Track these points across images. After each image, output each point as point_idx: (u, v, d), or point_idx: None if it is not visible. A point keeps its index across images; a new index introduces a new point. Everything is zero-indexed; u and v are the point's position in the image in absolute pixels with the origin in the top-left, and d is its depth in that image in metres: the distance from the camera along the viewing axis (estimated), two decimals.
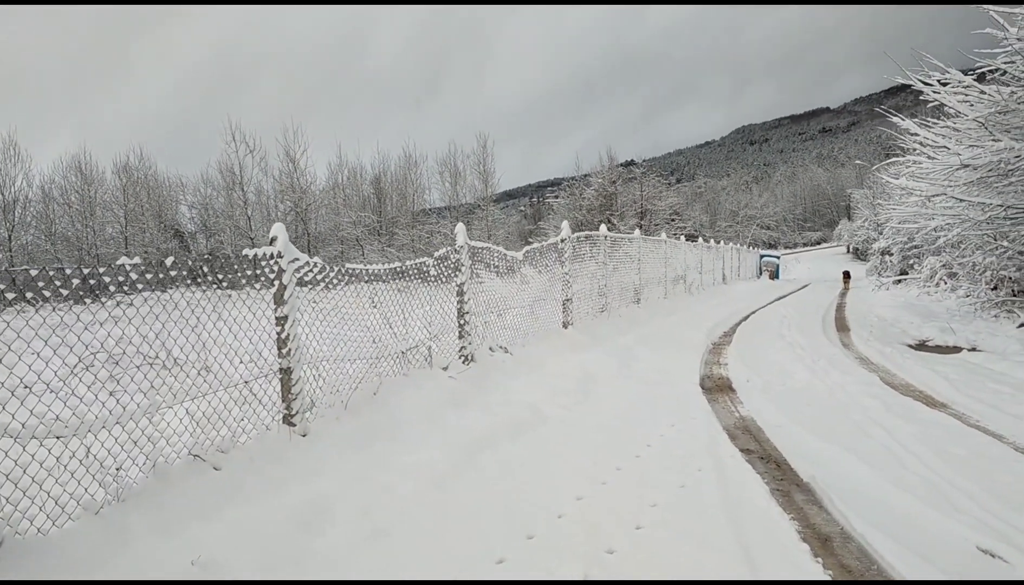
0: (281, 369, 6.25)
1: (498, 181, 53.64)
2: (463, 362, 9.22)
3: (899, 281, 28.02)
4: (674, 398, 8.29)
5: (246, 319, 5.98)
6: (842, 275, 30.84)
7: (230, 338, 5.78)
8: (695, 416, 7.42)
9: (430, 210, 55.01)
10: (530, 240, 66.62)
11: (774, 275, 42.54)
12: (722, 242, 31.52)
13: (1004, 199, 12.87)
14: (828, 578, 3.76)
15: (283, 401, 6.28)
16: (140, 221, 45.34)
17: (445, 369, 8.82)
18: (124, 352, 5.32)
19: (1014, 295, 14.39)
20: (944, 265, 23.95)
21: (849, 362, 10.34)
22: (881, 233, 42.27)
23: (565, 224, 12.81)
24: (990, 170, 12.98)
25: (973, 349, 11.90)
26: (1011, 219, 13.20)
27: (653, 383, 9.13)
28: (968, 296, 19.17)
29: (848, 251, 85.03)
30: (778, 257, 47.34)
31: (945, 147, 14.15)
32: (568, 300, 12.55)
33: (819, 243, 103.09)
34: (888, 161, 18.12)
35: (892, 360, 10.51)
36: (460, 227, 9.35)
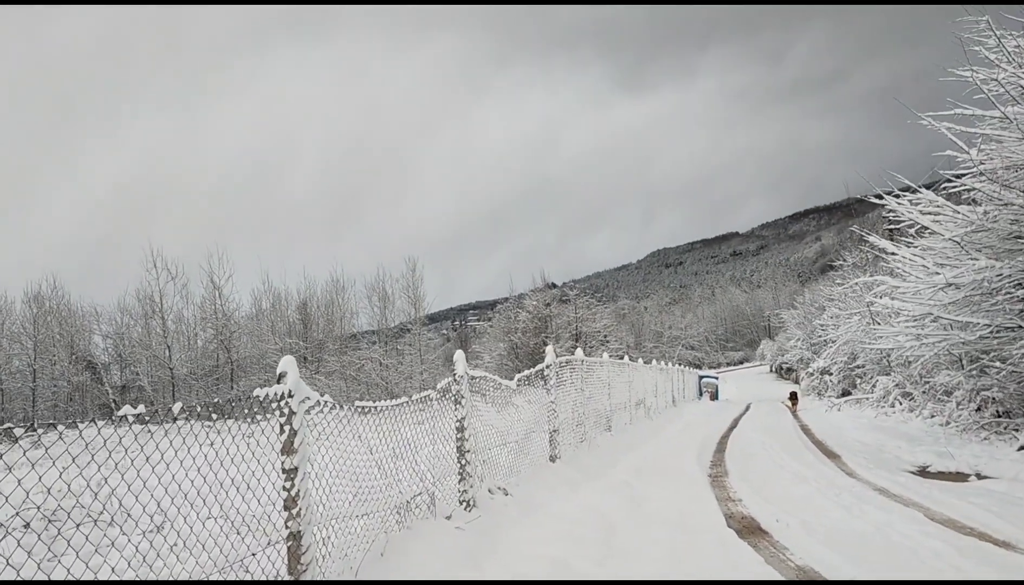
0: (290, 533, 5.13)
1: (429, 304, 53.00)
2: (465, 508, 8.13)
3: (853, 401, 27.91)
4: (711, 545, 7.35)
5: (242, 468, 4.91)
6: (789, 396, 30.74)
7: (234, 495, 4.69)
8: (751, 569, 6.49)
9: (359, 334, 53.69)
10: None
11: (714, 396, 42.37)
12: (667, 363, 31.17)
13: (991, 318, 12.65)
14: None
15: (290, 573, 5.15)
16: (51, 352, 42.71)
17: (449, 518, 7.73)
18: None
19: (998, 416, 14.07)
20: (897, 385, 23.91)
21: (872, 494, 9.61)
22: (817, 353, 42.81)
23: (550, 349, 12.01)
24: (974, 288, 12.79)
25: (979, 474, 11.36)
26: (998, 338, 12.97)
27: (677, 527, 8.18)
28: (933, 416, 18.94)
29: (771, 370, 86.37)
30: (716, 378, 47.36)
31: (924, 266, 14.02)
32: (555, 431, 11.61)
33: (741, 362, 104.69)
34: (871, 280, 17.96)
35: (913, 490, 9.83)
36: (459, 354, 8.43)
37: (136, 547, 5.60)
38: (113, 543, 4.85)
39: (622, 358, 20.01)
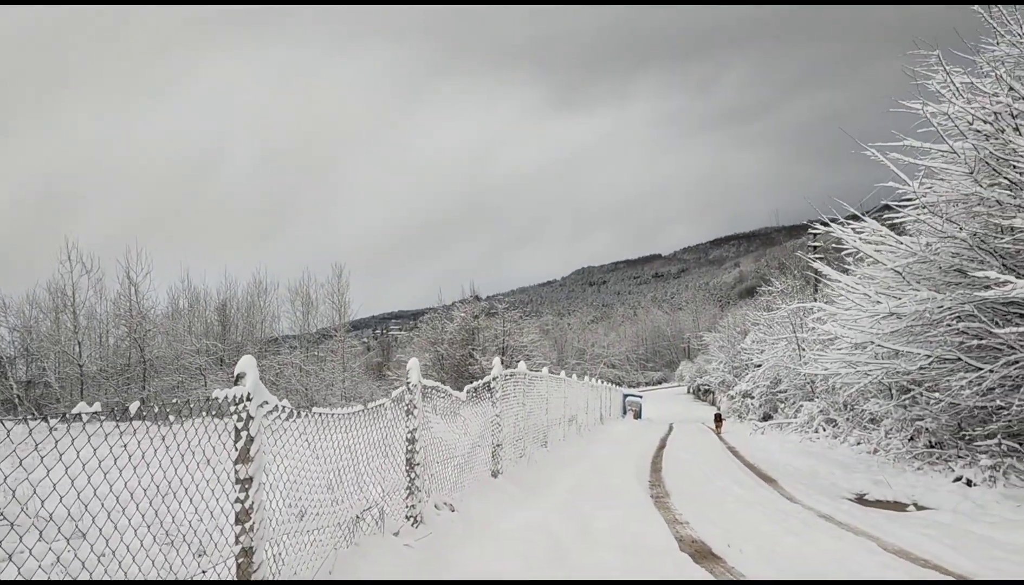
0: (242, 549, 4.67)
1: (355, 312, 52.06)
2: (412, 524, 7.73)
3: (776, 425, 28.27)
4: (667, 569, 7.10)
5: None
6: (714, 418, 31.03)
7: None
8: None
9: (280, 339, 52.33)
10: (385, 374, 64.55)
11: (638, 414, 42.58)
12: (596, 380, 31.13)
13: (932, 349, 12.81)
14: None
15: None
16: None
17: (397, 535, 7.32)
18: None
19: (931, 447, 14.28)
20: (822, 411, 24.27)
21: (819, 521, 9.53)
22: (738, 376, 43.47)
23: (496, 361, 11.67)
24: (916, 319, 12.95)
25: (917, 504, 11.44)
26: (937, 369, 13.16)
27: (628, 549, 7.89)
28: (860, 443, 19.23)
29: (689, 391, 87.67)
30: (640, 397, 47.65)
31: (866, 295, 14.16)
32: (499, 446, 11.27)
33: (660, 382, 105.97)
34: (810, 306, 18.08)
35: (858, 518, 9.80)
36: (413, 362, 8.02)
37: (58, 556, 5.06)
38: (31, 550, 4.31)
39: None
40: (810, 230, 41.84)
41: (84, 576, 4.03)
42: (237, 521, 4.71)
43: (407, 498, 7.74)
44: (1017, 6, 12.74)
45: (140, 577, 4.21)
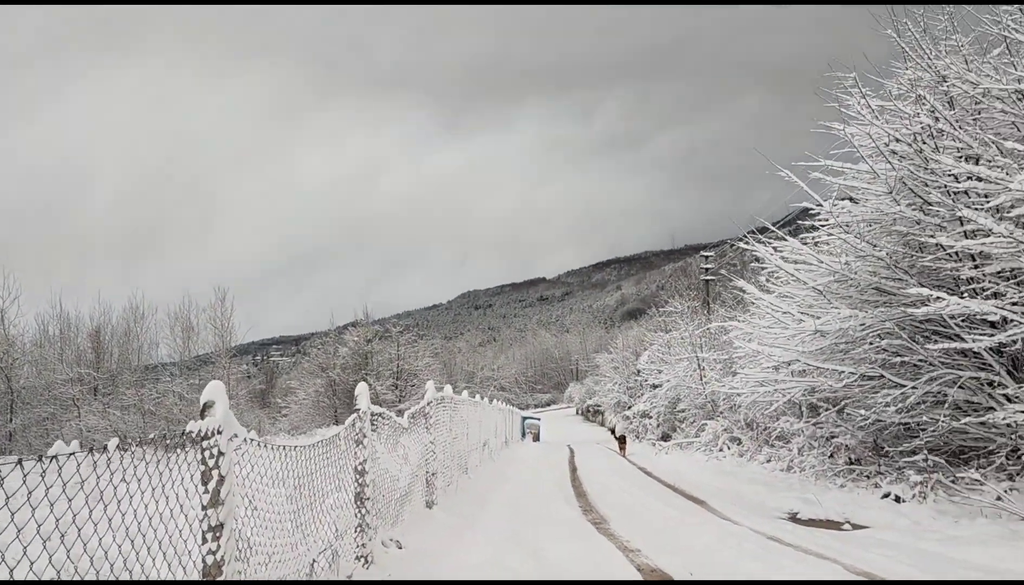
0: None
1: (240, 337, 50.01)
2: (363, 565, 7.06)
3: (677, 445, 28.47)
4: None
5: None
6: (618, 440, 31.02)
7: None
8: None
9: (160, 366, 49.74)
10: (270, 401, 62.18)
11: (536, 437, 42.33)
12: (503, 403, 30.68)
13: (856, 367, 12.96)
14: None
15: None
16: None
17: (350, 577, 6.64)
18: None
19: (851, 463, 14.45)
20: (726, 430, 24.55)
21: (771, 544, 9.29)
22: (633, 396, 43.87)
23: (430, 384, 11.06)
24: (839, 337, 13.08)
25: (851, 522, 11.44)
26: (860, 386, 13.32)
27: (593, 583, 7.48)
28: (770, 461, 19.43)
29: (578, 413, 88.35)
30: (539, 419, 47.46)
31: (788, 313, 14.27)
32: (434, 474, 10.64)
33: (549, 404, 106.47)
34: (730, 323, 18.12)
35: (807, 539, 9.65)
36: (362, 388, 7.37)
37: None
38: None
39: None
40: (702, 252, 42.73)
41: None
42: (206, 575, 4.01)
43: (357, 536, 7.07)
44: (927, 32, 13.14)
45: None
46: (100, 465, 3.41)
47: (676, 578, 7.74)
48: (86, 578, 3.37)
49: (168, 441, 3.59)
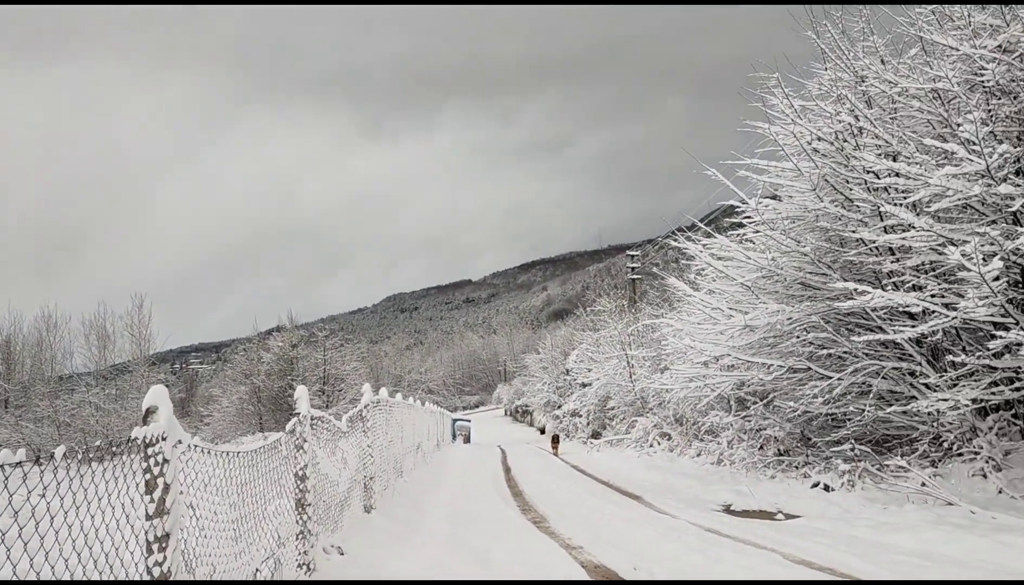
0: None
1: (160, 345, 48.59)
2: (305, 572, 6.89)
3: (607, 442, 28.74)
4: None
5: None
6: (551, 439, 31.15)
7: None
8: None
9: (76, 376, 47.98)
10: (190, 410, 60.56)
11: (467, 439, 42.22)
12: (431, 405, 30.42)
13: (784, 360, 13.26)
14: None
15: None
16: None
17: None
18: None
19: (780, 455, 14.78)
20: (656, 426, 24.90)
21: (712, 536, 9.43)
22: (563, 395, 44.15)
23: (367, 387, 10.91)
24: (768, 331, 13.37)
25: (784, 512, 11.68)
26: (788, 379, 13.63)
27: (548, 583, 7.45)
28: (700, 455, 19.76)
29: (507, 413, 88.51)
30: (469, 421, 47.34)
31: (718, 308, 14.52)
32: (371, 478, 10.49)
33: (477, 406, 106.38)
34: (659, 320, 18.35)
35: (745, 530, 9.83)
36: (302, 391, 7.21)
37: None
38: None
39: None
40: (628, 252, 43.22)
41: None
42: None
43: (299, 543, 6.90)
44: (845, 33, 13.53)
45: None
46: (47, 475, 3.24)
47: (621, 573, 7.75)
48: None
49: (115, 448, 3.42)
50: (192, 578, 4.22)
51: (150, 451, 3.84)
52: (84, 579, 3.23)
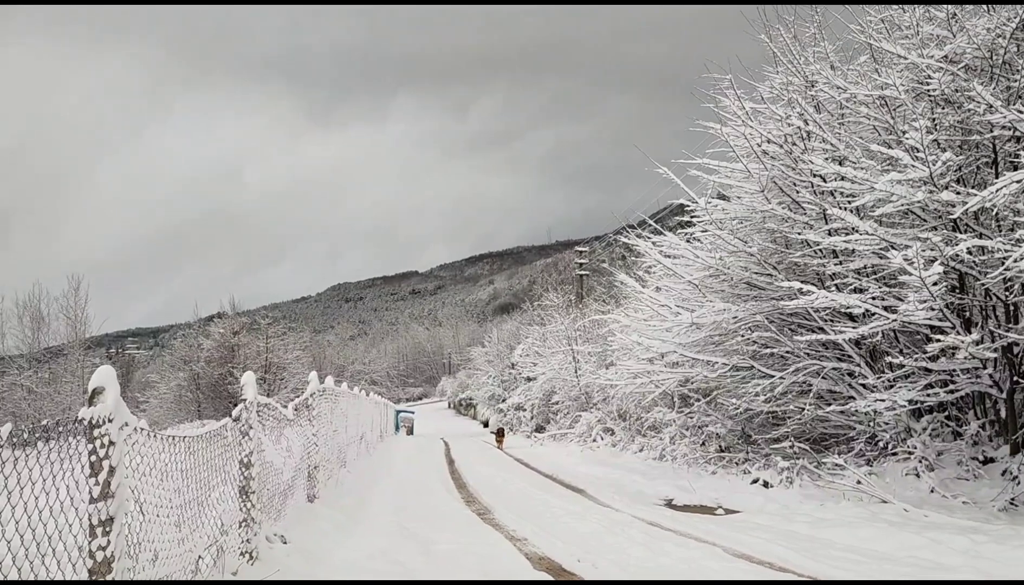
0: None
1: (97, 328, 47.44)
2: (248, 561, 6.80)
3: (551, 436, 28.89)
4: None
5: None
6: (496, 432, 31.18)
7: None
8: None
9: (8, 358, 46.61)
10: (127, 396, 59.33)
11: (410, 431, 42.06)
12: (375, 395, 30.23)
13: (729, 358, 13.46)
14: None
15: None
16: None
17: (235, 575, 6.39)
18: None
19: (721, 451, 15.02)
20: (599, 421, 25.09)
21: (655, 530, 9.53)
22: (507, 389, 44.25)
23: (313, 375, 10.80)
24: (714, 329, 13.56)
25: (724, 508, 11.90)
26: (732, 377, 13.85)
27: (486, 572, 7.41)
28: (642, 450, 19.97)
29: (450, 406, 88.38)
30: (413, 412, 47.15)
31: (666, 305, 14.68)
32: (316, 468, 10.39)
33: (421, 398, 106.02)
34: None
35: (687, 524, 9.98)
36: (249, 377, 7.10)
37: None
38: None
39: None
40: (577, 248, 43.42)
41: None
42: (93, 573, 3.75)
43: (242, 531, 6.80)
44: (796, 38, 13.75)
45: None
46: None
47: (565, 565, 7.79)
48: None
49: (61, 428, 3.33)
50: (135, 564, 4.12)
51: (96, 433, 3.74)
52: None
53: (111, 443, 3.79)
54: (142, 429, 4.28)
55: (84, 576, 3.73)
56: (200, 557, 5.73)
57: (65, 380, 43.10)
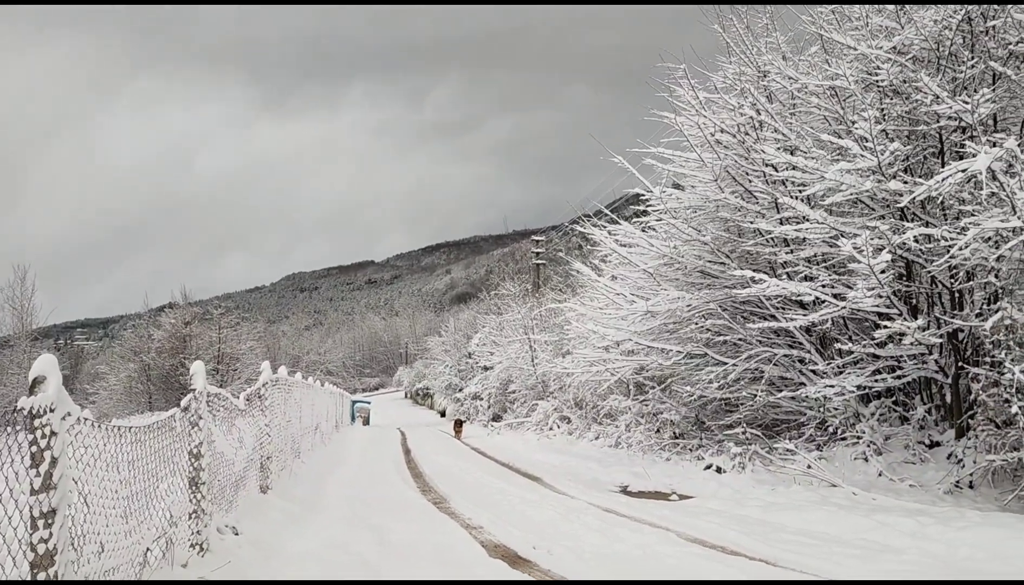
0: None
1: (43, 319, 46.41)
2: (199, 552, 6.70)
3: (508, 425, 28.93)
4: (489, 577, 6.73)
5: None
6: (454, 422, 31.10)
7: None
8: None
9: None
10: (75, 388, 58.08)
11: (366, 421, 41.81)
12: (330, 385, 30.01)
13: (683, 346, 13.59)
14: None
15: None
16: None
17: (185, 567, 6.30)
18: None
19: (675, 438, 15.17)
20: (556, 409, 25.19)
21: (610, 516, 9.59)
22: (465, 378, 44.19)
23: (266, 365, 10.66)
24: (668, 317, 13.67)
25: (677, 493, 12.02)
26: (686, 364, 13.98)
27: (440, 561, 7.41)
28: (598, 438, 20.11)
29: (407, 396, 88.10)
30: (369, 402, 46.86)
31: (621, 294, 14.75)
32: (268, 458, 10.27)
33: (377, 388, 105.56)
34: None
35: (642, 510, 10.07)
36: (198, 366, 6.99)
37: None
38: None
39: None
40: (534, 237, 43.43)
41: None
42: (32, 567, 3.66)
43: (192, 522, 6.69)
44: (749, 28, 13.88)
45: None
46: None
47: (521, 553, 7.79)
48: None
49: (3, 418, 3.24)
50: (79, 556, 4.04)
51: (37, 423, 3.65)
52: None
53: (53, 434, 3.70)
54: (86, 419, 4.18)
55: (25, 569, 3.64)
56: (148, 549, 5.63)
57: (11, 372, 42.06)
